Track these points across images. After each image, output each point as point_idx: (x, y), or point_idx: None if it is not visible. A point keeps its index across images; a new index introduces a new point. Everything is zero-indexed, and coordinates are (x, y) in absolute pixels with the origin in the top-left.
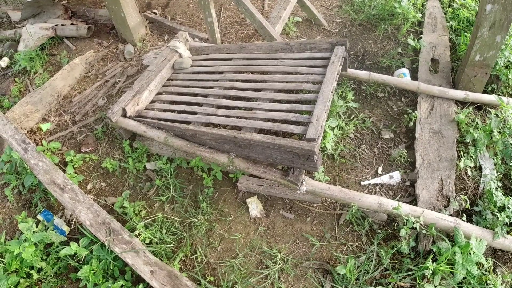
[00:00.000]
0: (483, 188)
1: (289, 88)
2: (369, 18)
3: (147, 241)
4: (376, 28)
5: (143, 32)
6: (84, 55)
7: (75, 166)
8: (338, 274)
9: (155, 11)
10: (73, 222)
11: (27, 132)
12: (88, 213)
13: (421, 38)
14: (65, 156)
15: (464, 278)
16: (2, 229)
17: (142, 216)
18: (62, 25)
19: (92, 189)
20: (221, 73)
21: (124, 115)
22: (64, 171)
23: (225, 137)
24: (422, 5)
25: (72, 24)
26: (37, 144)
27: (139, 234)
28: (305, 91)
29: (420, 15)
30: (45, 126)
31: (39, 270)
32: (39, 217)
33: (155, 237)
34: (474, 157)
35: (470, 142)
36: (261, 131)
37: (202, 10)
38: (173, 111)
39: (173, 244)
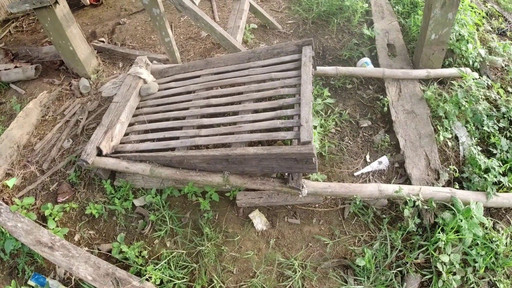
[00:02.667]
0: (464, 155)
1: (267, 96)
2: (320, 15)
3: (158, 282)
4: (328, 24)
5: (95, 63)
6: (37, 98)
7: (56, 219)
8: (358, 266)
9: (102, 39)
10: (72, 280)
11: None
12: (87, 267)
13: (373, 26)
14: (42, 211)
15: (472, 241)
16: None
17: (145, 256)
18: (5, 69)
19: (81, 239)
20: (192, 92)
21: (100, 154)
22: (46, 227)
23: (217, 157)
24: None
25: (16, 67)
26: (7, 204)
27: (150, 277)
28: (284, 96)
29: (367, 4)
30: (11, 182)
31: None
32: (31, 282)
33: (166, 276)
34: (449, 129)
35: (443, 115)
36: (251, 143)
37: (158, 31)
38: (152, 139)
39: (186, 278)
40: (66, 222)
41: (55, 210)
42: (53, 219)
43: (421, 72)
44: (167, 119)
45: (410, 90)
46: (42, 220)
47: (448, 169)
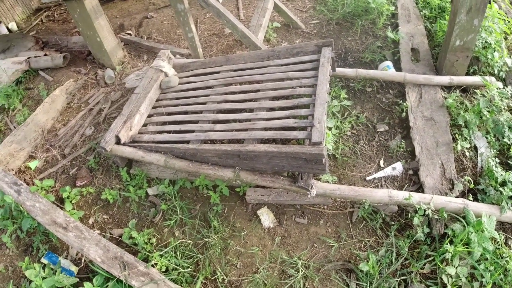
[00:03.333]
0: (482, 167)
1: (284, 95)
2: (345, 16)
3: (164, 269)
4: (353, 25)
5: (121, 55)
6: (63, 85)
7: (73, 202)
8: (362, 271)
9: (130, 32)
10: (82, 261)
11: (16, 172)
12: (98, 250)
13: (398, 29)
14: (60, 193)
15: (481, 255)
16: (7, 279)
17: (153, 244)
18: (35, 57)
19: (95, 223)
20: (211, 87)
21: (118, 142)
22: (62, 209)
23: (229, 152)
24: None
25: (45, 55)
26: (28, 184)
27: (155, 264)
28: (300, 96)
29: (393, 7)
30: (33, 164)
31: None
32: (44, 260)
33: (171, 264)
34: (468, 138)
35: (462, 124)
36: (263, 141)
37: (182, 26)
38: (169, 131)
39: (191, 268)
40: (82, 206)
41: (73, 193)
42: (70, 201)
43: (444, 79)
44: (185, 113)
45: (431, 96)
46: (60, 202)
47: (463, 179)
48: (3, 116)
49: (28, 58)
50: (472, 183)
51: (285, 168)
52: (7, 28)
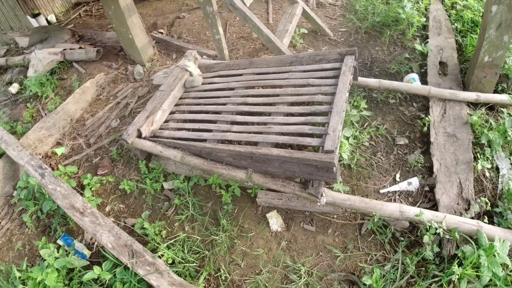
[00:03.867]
0: (502, 189)
1: (302, 101)
2: (374, 25)
3: (170, 261)
4: (381, 35)
5: (151, 52)
6: (94, 78)
7: (92, 189)
8: (364, 284)
9: (161, 30)
10: (94, 246)
11: (42, 157)
12: (110, 236)
13: (427, 42)
14: (82, 180)
15: (490, 280)
16: (23, 256)
17: (163, 236)
18: (71, 49)
19: (111, 211)
20: (233, 89)
21: (139, 136)
22: (82, 194)
23: (242, 153)
24: (426, 9)
25: (80, 48)
26: (53, 169)
27: (162, 255)
28: (318, 103)
29: (424, 19)
30: (59, 151)
31: None
32: (59, 242)
33: (178, 257)
34: (490, 158)
35: (485, 143)
36: (277, 145)
37: (210, 28)
38: (188, 129)
39: (196, 263)
40: (101, 193)
41: (93, 181)
42: (90, 188)
43: (470, 95)
44: (205, 112)
45: (455, 112)
46: (81, 188)
47: (481, 200)
48: (36, 103)
49: (64, 50)
50: (490, 205)
51: (296, 174)
52: (46, 19)
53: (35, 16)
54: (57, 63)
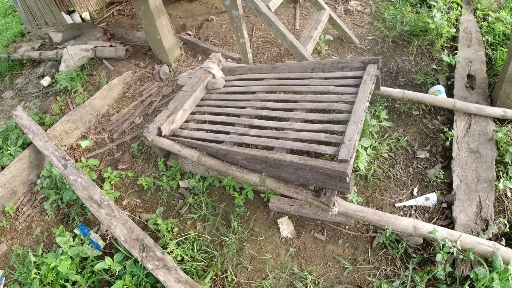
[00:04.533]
0: None
1: (321, 108)
2: (402, 34)
3: (179, 258)
4: (409, 45)
5: (178, 53)
6: (122, 76)
7: (112, 183)
8: None
9: (189, 32)
10: (108, 237)
11: (67, 148)
12: (123, 229)
13: (456, 53)
14: (102, 173)
15: None
16: (40, 242)
17: (175, 233)
18: (102, 46)
19: (128, 205)
20: (253, 93)
21: (160, 134)
22: (101, 187)
23: (257, 157)
24: (456, 20)
25: (111, 46)
26: (76, 161)
27: (171, 252)
28: (337, 111)
29: (454, 30)
30: (84, 143)
31: (74, 283)
32: (76, 231)
33: (187, 255)
34: None
35: (510, 161)
36: (292, 151)
37: (235, 31)
38: (206, 130)
39: (204, 263)
40: (120, 187)
41: (113, 175)
42: (110, 182)
43: (497, 111)
44: (225, 114)
45: (480, 128)
46: (101, 181)
47: (500, 221)
48: (65, 96)
49: (95, 47)
50: (508, 226)
51: (309, 181)
52: (81, 17)
53: (70, 13)
54: (88, 59)
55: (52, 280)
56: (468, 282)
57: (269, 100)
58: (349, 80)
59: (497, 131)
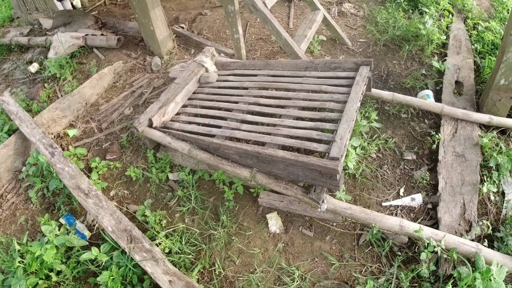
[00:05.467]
0: (506, 214)
1: (313, 106)
2: (393, 38)
3: (167, 250)
4: (400, 49)
5: (171, 46)
6: (112, 65)
7: (99, 173)
8: None
9: (183, 25)
10: (94, 228)
11: (54, 137)
12: (111, 220)
13: (445, 60)
14: (90, 163)
15: None
16: (24, 230)
17: (163, 225)
18: (92, 35)
19: (115, 196)
20: (246, 88)
21: (150, 125)
22: (88, 177)
23: (248, 152)
24: (447, 27)
25: (102, 34)
26: (63, 149)
27: (160, 243)
28: (329, 110)
29: (445, 37)
30: (72, 132)
31: (58, 273)
32: (62, 220)
33: (175, 247)
34: (497, 182)
35: (494, 166)
36: (284, 147)
37: (229, 27)
38: (198, 123)
39: (192, 255)
40: (107, 178)
41: (101, 165)
42: (97, 172)
43: (483, 117)
44: (217, 108)
45: (466, 133)
46: (88, 171)
47: (482, 223)
48: (54, 84)
49: (86, 35)
50: (491, 229)
51: (300, 178)
52: (72, 4)
53: None
54: (78, 47)
55: (36, 270)
56: (451, 281)
57: (262, 96)
58: (342, 80)
59: (482, 137)
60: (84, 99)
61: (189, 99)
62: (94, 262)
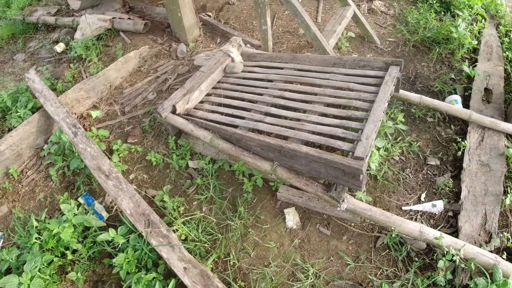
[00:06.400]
0: None
1: (339, 104)
2: (424, 40)
3: (183, 237)
4: (430, 51)
5: (197, 33)
6: (138, 50)
7: (120, 155)
8: None
9: (210, 13)
10: (113, 209)
11: (77, 117)
12: (130, 203)
13: (475, 66)
14: (112, 145)
15: None
16: (43, 207)
17: (180, 212)
18: (120, 18)
19: (134, 179)
20: (271, 81)
21: (174, 112)
22: (110, 159)
23: (271, 145)
24: (479, 32)
25: (129, 18)
26: (86, 130)
27: (177, 230)
28: (354, 108)
29: (476, 42)
30: (95, 113)
31: (74, 252)
32: (80, 200)
33: (191, 235)
34: None
35: None
36: (307, 143)
37: (258, 17)
38: (221, 113)
39: (208, 244)
40: (128, 161)
41: (122, 147)
42: (118, 154)
43: (511, 127)
44: (241, 99)
45: (493, 142)
46: (109, 153)
47: (503, 235)
48: (79, 65)
49: (113, 18)
50: (511, 241)
51: (321, 175)
52: None
53: None
54: (104, 30)
55: (52, 247)
56: None
57: (287, 90)
58: (370, 79)
59: (508, 147)
60: (109, 82)
61: (213, 88)
62: (110, 244)
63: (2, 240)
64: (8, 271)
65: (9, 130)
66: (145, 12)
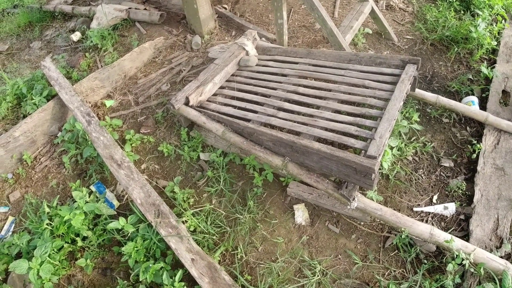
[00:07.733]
0: None
1: (354, 101)
2: (442, 38)
3: (192, 229)
4: (448, 50)
5: (212, 26)
6: (153, 41)
7: (132, 145)
8: None
9: (225, 6)
10: (123, 198)
11: (91, 106)
12: (140, 192)
13: (494, 67)
14: (124, 134)
15: None
16: (55, 194)
17: (190, 203)
18: (136, 9)
19: (146, 169)
20: (286, 75)
21: (187, 103)
22: (122, 148)
23: (283, 140)
24: (498, 33)
25: (145, 9)
26: (99, 119)
27: (186, 221)
28: (369, 106)
29: (496, 43)
30: (109, 103)
31: (84, 238)
32: (92, 188)
33: (200, 227)
34: None
35: None
36: (319, 139)
37: (274, 11)
38: (234, 106)
39: (216, 237)
40: (140, 151)
41: (135, 137)
42: (131, 144)
43: None
44: (255, 93)
45: (509, 145)
46: (122, 142)
47: None
48: (94, 54)
49: (129, 8)
50: None
51: (333, 172)
52: None
53: None
54: (120, 20)
55: (63, 233)
56: None
57: (301, 85)
58: (386, 76)
59: None
60: (123, 72)
61: (227, 81)
62: (120, 232)
63: (13, 225)
64: (19, 256)
65: (24, 116)
66: (161, 3)
